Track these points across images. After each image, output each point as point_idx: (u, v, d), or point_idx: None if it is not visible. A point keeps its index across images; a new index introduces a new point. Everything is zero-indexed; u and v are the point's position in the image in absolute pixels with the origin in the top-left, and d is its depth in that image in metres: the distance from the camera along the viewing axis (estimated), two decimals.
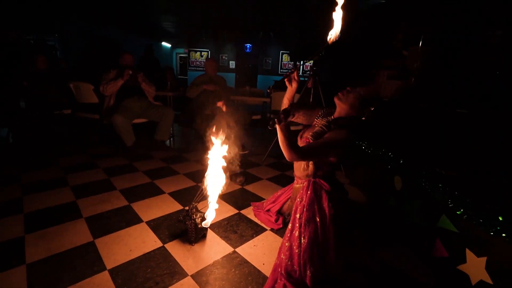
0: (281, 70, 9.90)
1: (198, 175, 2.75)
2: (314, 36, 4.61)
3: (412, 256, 1.66)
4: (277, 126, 1.25)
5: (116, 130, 3.08)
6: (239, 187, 2.54)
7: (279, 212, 1.93)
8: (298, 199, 1.51)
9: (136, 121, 3.38)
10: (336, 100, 1.52)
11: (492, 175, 1.51)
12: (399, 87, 3.68)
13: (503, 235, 1.13)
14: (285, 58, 9.76)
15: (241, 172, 2.91)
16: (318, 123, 1.59)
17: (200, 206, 1.72)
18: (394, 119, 2.15)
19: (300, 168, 1.61)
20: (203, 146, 1.86)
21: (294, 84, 1.55)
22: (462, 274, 1.37)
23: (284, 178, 2.83)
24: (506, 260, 1.16)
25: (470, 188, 1.44)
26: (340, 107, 1.51)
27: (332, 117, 1.55)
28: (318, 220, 1.41)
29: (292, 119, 1.68)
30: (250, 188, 2.54)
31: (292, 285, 1.26)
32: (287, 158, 1.31)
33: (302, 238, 1.37)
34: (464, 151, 1.70)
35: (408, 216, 1.81)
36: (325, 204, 1.45)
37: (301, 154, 1.31)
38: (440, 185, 1.47)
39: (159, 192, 2.33)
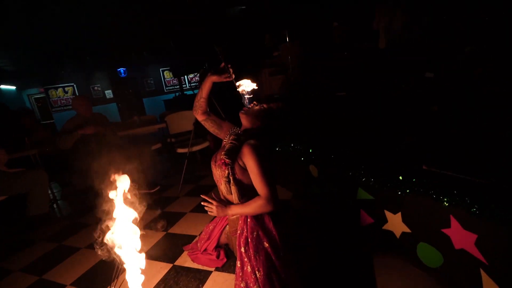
0: (167, 88, 9.41)
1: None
2: (194, 49, 4.52)
3: (346, 231, 1.81)
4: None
5: None
6: (163, 233, 2.19)
7: (218, 246, 1.75)
8: (239, 231, 1.38)
9: None
10: (241, 115, 1.50)
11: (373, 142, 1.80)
12: (284, 81, 4.05)
13: (407, 191, 1.34)
14: (168, 74, 9.32)
15: (160, 214, 2.53)
16: (227, 141, 1.50)
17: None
18: (292, 113, 2.31)
19: (224, 192, 1.47)
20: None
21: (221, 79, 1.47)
22: (388, 232, 1.57)
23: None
24: (414, 210, 1.38)
25: (369, 160, 1.66)
26: (246, 120, 1.49)
27: (240, 131, 1.50)
28: (267, 245, 1.32)
29: (203, 122, 1.63)
30: (175, 229, 2.22)
31: None
32: (269, 211, 1.34)
33: (256, 272, 1.25)
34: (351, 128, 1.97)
35: (332, 197, 1.97)
36: (271, 225, 1.37)
37: (270, 197, 1.31)
38: (351, 163, 1.64)
39: None
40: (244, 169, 1.38)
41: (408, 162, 1.46)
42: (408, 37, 3.10)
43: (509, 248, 1.02)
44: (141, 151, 3.16)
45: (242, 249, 1.34)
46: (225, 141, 1.54)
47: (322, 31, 4.30)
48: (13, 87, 9.85)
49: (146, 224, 2.30)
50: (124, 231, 1.40)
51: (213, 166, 1.54)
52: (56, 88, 7.98)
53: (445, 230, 1.25)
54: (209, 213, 1.51)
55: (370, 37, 3.50)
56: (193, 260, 1.76)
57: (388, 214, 1.54)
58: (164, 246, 1.98)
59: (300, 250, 1.52)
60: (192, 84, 9.55)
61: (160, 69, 9.10)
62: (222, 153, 1.38)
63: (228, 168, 1.36)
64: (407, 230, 1.45)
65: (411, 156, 1.51)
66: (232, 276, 1.57)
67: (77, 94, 8.23)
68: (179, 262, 1.78)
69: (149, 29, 5.98)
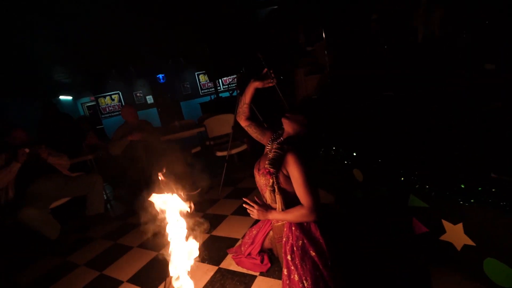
0: (202, 91, 9.75)
1: (155, 240, 2.35)
2: (227, 53, 4.62)
3: (396, 240, 1.70)
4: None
5: (30, 227, 2.40)
6: (207, 235, 2.27)
7: (261, 251, 1.76)
8: (285, 239, 1.38)
9: (56, 203, 2.73)
10: (284, 120, 1.48)
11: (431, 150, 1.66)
12: (319, 81, 3.94)
13: (472, 201, 1.21)
14: (202, 78, 9.65)
15: (202, 216, 2.63)
16: (270, 148, 1.50)
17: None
18: (332, 114, 2.24)
19: (268, 201, 1.47)
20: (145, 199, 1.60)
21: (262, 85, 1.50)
22: (447, 243, 1.44)
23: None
24: (479, 221, 1.25)
25: (423, 166, 1.54)
26: (288, 126, 1.47)
27: (282, 138, 1.48)
28: (313, 254, 1.30)
29: (246, 128, 1.64)
30: (219, 232, 2.29)
31: None
32: (311, 221, 1.36)
33: (304, 282, 1.24)
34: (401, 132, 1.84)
35: (378, 204, 1.86)
36: (317, 234, 1.35)
37: (313, 208, 1.31)
38: (401, 170, 1.53)
39: (115, 284, 1.88)
40: (288, 178, 1.37)
41: (471, 168, 1.32)
42: (444, 32, 2.85)
43: None
44: (183, 153, 3.31)
45: (289, 257, 1.33)
46: (268, 148, 1.54)
47: (360, 24, 4.09)
48: (70, 97, 11.05)
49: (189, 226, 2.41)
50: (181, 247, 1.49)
51: (256, 173, 1.55)
52: (104, 96, 8.75)
53: None
54: (251, 215, 1.53)
55: (409, 32, 3.27)
56: (237, 264, 1.80)
57: (446, 224, 1.41)
58: (208, 249, 2.05)
59: (347, 259, 1.46)
60: (224, 86, 9.77)
61: (195, 73, 9.48)
62: (266, 162, 1.39)
63: (273, 177, 1.37)
64: (471, 243, 1.31)
65: (473, 161, 1.37)
66: (277, 282, 1.58)
67: (122, 100, 8.92)
68: (224, 265, 1.84)
69: (184, 36, 6.27)
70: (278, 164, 1.37)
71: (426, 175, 1.43)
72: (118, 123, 8.67)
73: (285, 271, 1.34)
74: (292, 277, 1.29)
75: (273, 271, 1.67)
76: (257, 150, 1.80)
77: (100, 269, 2.10)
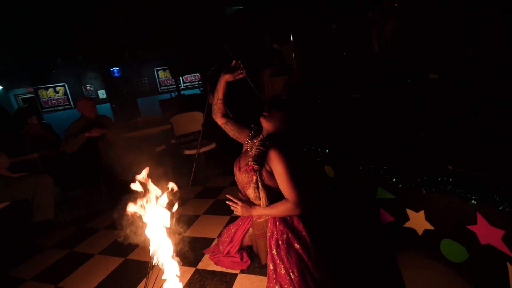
0: (162, 88, 9.27)
1: (120, 245, 2.17)
2: (197, 49, 4.47)
3: (366, 230, 1.85)
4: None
5: None
6: (179, 237, 2.17)
7: (240, 249, 1.75)
8: (269, 234, 1.40)
9: None
10: (262, 119, 1.48)
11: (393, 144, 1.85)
12: (287, 82, 4.06)
13: (433, 189, 1.38)
14: (162, 74, 9.18)
15: (172, 217, 2.51)
16: (250, 145, 1.50)
17: None
18: (305, 113, 2.33)
19: (252, 198, 1.48)
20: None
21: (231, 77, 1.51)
22: (410, 230, 1.62)
23: (220, 203, 2.63)
24: (438, 208, 1.43)
25: (389, 160, 1.70)
26: (268, 124, 1.48)
27: (262, 135, 1.49)
28: (298, 247, 1.34)
29: (223, 125, 1.63)
30: (192, 233, 2.21)
31: None
32: (296, 214, 1.40)
33: (291, 273, 1.27)
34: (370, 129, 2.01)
35: (348, 196, 2.00)
36: (300, 227, 1.39)
37: (298, 201, 1.34)
38: (372, 164, 1.67)
39: None
40: (272, 174, 1.39)
41: (429, 162, 1.50)
42: (396, 41, 3.21)
43: None
44: (146, 153, 3.11)
45: (274, 251, 1.36)
46: (247, 146, 1.54)
47: (322, 32, 4.35)
48: None
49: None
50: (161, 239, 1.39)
51: (236, 171, 1.54)
52: (47, 88, 7.72)
53: (470, 227, 1.30)
54: (234, 212, 1.53)
55: (368, 40, 3.59)
56: (216, 263, 1.76)
57: (410, 212, 1.58)
58: (183, 250, 1.96)
59: (326, 249, 1.54)
60: (186, 84, 9.45)
61: (155, 69, 8.96)
62: (249, 159, 1.38)
63: (256, 174, 1.37)
64: (430, 227, 1.50)
65: (431, 155, 1.56)
66: (258, 278, 1.59)
67: (69, 94, 8.00)
68: (202, 265, 1.78)
69: (144, 28, 5.87)
70: (261, 160, 1.38)
71: (393, 169, 1.58)
72: (63, 119, 7.83)
73: (270, 266, 1.35)
74: (278, 270, 1.31)
75: (254, 267, 1.67)
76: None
77: (55, 282, 1.86)
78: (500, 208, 1.15)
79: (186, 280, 1.66)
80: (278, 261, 1.32)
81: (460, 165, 1.31)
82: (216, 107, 1.62)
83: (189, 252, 1.92)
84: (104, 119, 2.96)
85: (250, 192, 1.44)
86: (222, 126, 1.66)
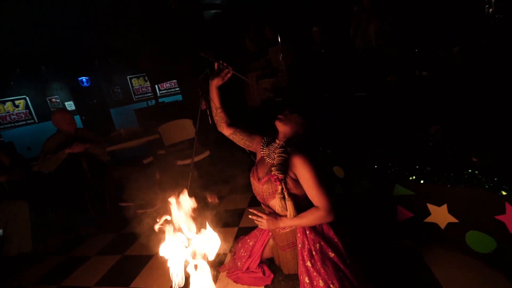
0: (136, 96, 8.81)
1: (121, 271, 1.94)
2: (175, 54, 4.27)
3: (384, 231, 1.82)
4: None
5: None
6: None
7: (260, 262, 1.63)
8: (300, 245, 1.30)
9: None
10: (278, 123, 1.40)
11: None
12: (274, 84, 4.02)
13: (461, 185, 1.37)
14: (136, 82, 8.73)
15: None
16: (266, 153, 1.41)
17: None
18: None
19: (277, 209, 1.36)
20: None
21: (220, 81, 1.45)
22: (431, 224, 1.61)
23: (224, 214, 2.48)
24: (462, 200, 1.43)
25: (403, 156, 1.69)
26: (283, 128, 1.39)
27: (278, 140, 1.40)
28: (332, 255, 1.26)
29: (231, 136, 1.53)
30: None
31: None
32: (329, 221, 1.30)
33: (331, 286, 1.17)
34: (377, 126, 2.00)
35: (361, 197, 1.96)
36: (331, 234, 1.31)
37: (330, 208, 1.25)
38: (389, 163, 1.64)
39: None
40: (297, 181, 1.30)
41: (448, 155, 1.51)
42: (380, 42, 3.33)
43: None
44: (135, 167, 2.88)
45: (308, 263, 1.26)
46: (263, 153, 1.44)
47: (303, 35, 4.39)
48: None
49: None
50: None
51: (255, 182, 1.43)
52: (4, 102, 6.95)
53: (499, 217, 1.31)
54: (259, 226, 1.42)
55: (348, 42, 3.67)
56: (235, 281, 1.62)
57: (431, 207, 1.57)
58: None
59: (357, 254, 1.48)
60: (162, 91, 9.08)
61: (128, 77, 8.48)
62: (273, 168, 1.28)
63: (281, 183, 1.27)
64: (454, 220, 1.49)
65: (447, 148, 1.57)
66: None
67: (31, 107, 7.28)
68: (221, 286, 1.63)
69: (116, 33, 5.49)
70: (285, 168, 1.28)
71: (412, 165, 1.56)
72: (26, 135, 7.08)
73: (306, 279, 1.25)
74: (315, 283, 1.22)
75: (278, 281, 1.56)
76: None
77: None
78: None
79: None
80: (315, 273, 1.23)
81: (486, 156, 1.32)
82: (218, 117, 1.53)
83: None
84: (84, 132, 2.68)
85: (276, 203, 1.33)
86: (231, 137, 1.55)
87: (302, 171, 1.26)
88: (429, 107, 2.01)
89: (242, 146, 1.58)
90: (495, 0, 2.26)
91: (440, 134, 1.58)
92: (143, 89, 8.77)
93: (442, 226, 1.56)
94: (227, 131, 1.53)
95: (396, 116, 2.07)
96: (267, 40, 4.68)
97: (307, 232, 1.32)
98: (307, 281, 1.24)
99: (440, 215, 1.55)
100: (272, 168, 1.30)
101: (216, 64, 1.45)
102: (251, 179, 1.48)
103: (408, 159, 1.60)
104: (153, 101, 7.51)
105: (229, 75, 1.46)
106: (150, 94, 8.74)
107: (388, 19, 3.24)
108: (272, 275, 1.59)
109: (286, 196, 1.28)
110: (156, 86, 8.49)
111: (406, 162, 1.59)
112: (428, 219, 1.61)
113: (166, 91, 9.05)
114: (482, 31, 2.32)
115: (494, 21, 2.30)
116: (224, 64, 1.44)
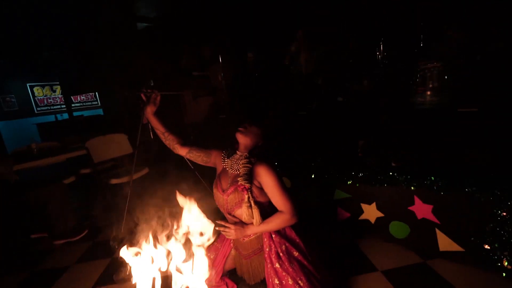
0: (39, 108, 7.35)
1: None
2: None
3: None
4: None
5: None
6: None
7: (223, 275, 1.61)
8: (267, 249, 1.37)
9: None
10: (238, 135, 1.46)
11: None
12: (213, 103, 4.11)
13: (385, 184, 1.74)
14: (39, 91, 7.30)
15: (111, 262, 2.02)
16: (229, 164, 1.47)
17: None
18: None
19: (244, 217, 1.41)
20: None
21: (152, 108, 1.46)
22: (365, 221, 1.94)
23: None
24: (386, 198, 1.80)
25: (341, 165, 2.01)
26: (244, 139, 1.46)
27: (239, 152, 1.47)
28: (297, 254, 1.38)
29: (188, 156, 1.56)
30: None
31: None
32: (294, 223, 1.38)
33: (299, 281, 1.28)
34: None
35: (309, 203, 2.20)
36: (293, 235, 1.43)
37: (294, 211, 1.34)
38: (328, 171, 1.93)
39: None
40: (261, 189, 1.39)
41: (374, 162, 1.89)
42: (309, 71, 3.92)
43: (452, 209, 1.54)
44: (54, 188, 2.42)
45: (277, 265, 1.34)
46: (225, 165, 1.49)
47: (239, 61, 4.67)
48: None
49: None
50: None
51: (219, 194, 1.45)
52: None
53: (410, 207, 1.71)
54: (226, 236, 1.43)
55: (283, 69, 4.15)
56: None
57: (364, 206, 1.91)
58: None
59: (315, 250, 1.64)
60: (76, 104, 7.86)
61: (28, 84, 7.00)
62: (239, 178, 1.34)
63: (248, 192, 1.34)
64: (381, 214, 1.85)
65: (378, 155, 1.96)
66: None
67: None
68: None
69: (10, 28, 4.48)
70: (250, 178, 1.36)
71: (349, 172, 1.89)
72: None
73: (275, 281, 1.32)
74: (285, 283, 1.30)
75: None
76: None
77: None
78: (434, 187, 1.57)
79: None
80: (284, 273, 1.31)
81: (400, 161, 1.73)
82: (168, 141, 1.55)
83: None
84: None
85: (243, 212, 1.37)
86: (187, 157, 1.58)
87: (267, 179, 1.35)
88: (355, 126, 2.45)
89: (200, 163, 1.59)
90: (383, 50, 2.96)
91: (366, 146, 1.97)
92: (49, 100, 7.38)
93: (372, 221, 1.91)
94: (182, 151, 1.54)
95: (331, 132, 2.45)
96: (204, 58, 4.75)
97: (273, 236, 1.41)
98: (277, 282, 1.31)
99: (371, 212, 1.89)
100: (238, 178, 1.34)
101: (142, 95, 1.45)
102: (215, 191, 1.49)
103: (345, 167, 1.92)
104: (66, 115, 6.42)
105: (158, 98, 1.47)
106: (58, 106, 7.44)
107: (315, 51, 3.81)
108: (235, 286, 1.58)
109: (253, 204, 1.34)
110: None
111: (345, 169, 1.90)
112: (362, 217, 1.94)
113: (82, 104, 7.88)
114: (378, 70, 3.04)
115: (384, 63, 3.03)
116: (149, 91, 1.45)
